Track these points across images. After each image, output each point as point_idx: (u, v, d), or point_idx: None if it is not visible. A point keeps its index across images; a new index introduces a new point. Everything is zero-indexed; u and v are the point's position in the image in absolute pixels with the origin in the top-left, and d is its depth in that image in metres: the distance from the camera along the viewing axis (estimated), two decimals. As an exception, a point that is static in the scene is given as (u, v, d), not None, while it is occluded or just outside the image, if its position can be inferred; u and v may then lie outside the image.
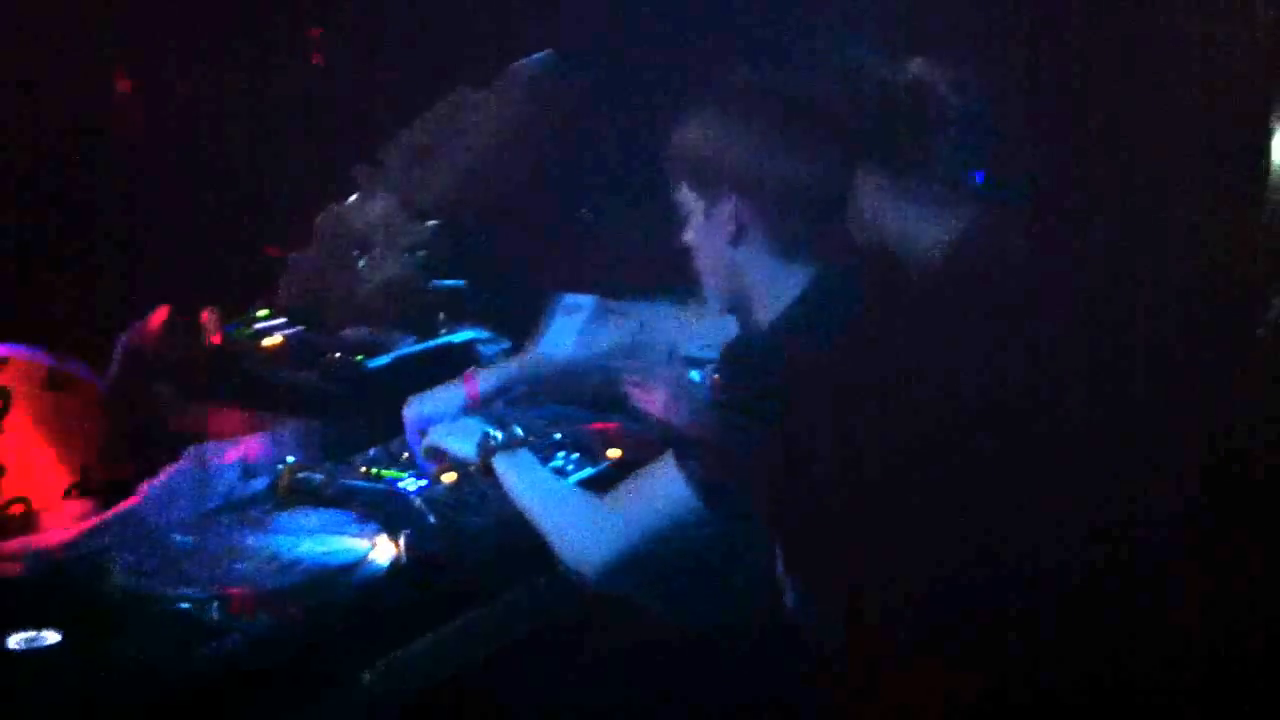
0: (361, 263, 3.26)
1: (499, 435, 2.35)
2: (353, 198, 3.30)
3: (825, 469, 1.99)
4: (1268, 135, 1.97)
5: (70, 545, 2.28)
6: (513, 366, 2.75)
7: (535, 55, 3.27)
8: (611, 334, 2.77)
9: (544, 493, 2.30)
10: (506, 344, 3.24)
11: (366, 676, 2.09)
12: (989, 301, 2.01)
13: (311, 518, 2.38)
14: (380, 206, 3.27)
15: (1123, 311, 1.96)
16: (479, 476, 2.40)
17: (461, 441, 2.40)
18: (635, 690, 2.34)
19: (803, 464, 2.01)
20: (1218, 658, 1.90)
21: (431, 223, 3.29)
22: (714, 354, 2.66)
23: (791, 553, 2.12)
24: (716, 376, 2.27)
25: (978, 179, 2.49)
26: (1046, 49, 2.09)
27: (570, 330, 2.76)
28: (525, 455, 2.36)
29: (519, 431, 2.39)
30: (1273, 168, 1.98)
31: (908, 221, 2.14)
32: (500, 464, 2.33)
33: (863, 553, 1.98)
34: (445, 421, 2.56)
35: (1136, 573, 1.91)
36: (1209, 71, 1.97)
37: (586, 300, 2.85)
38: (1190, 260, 1.97)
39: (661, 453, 2.19)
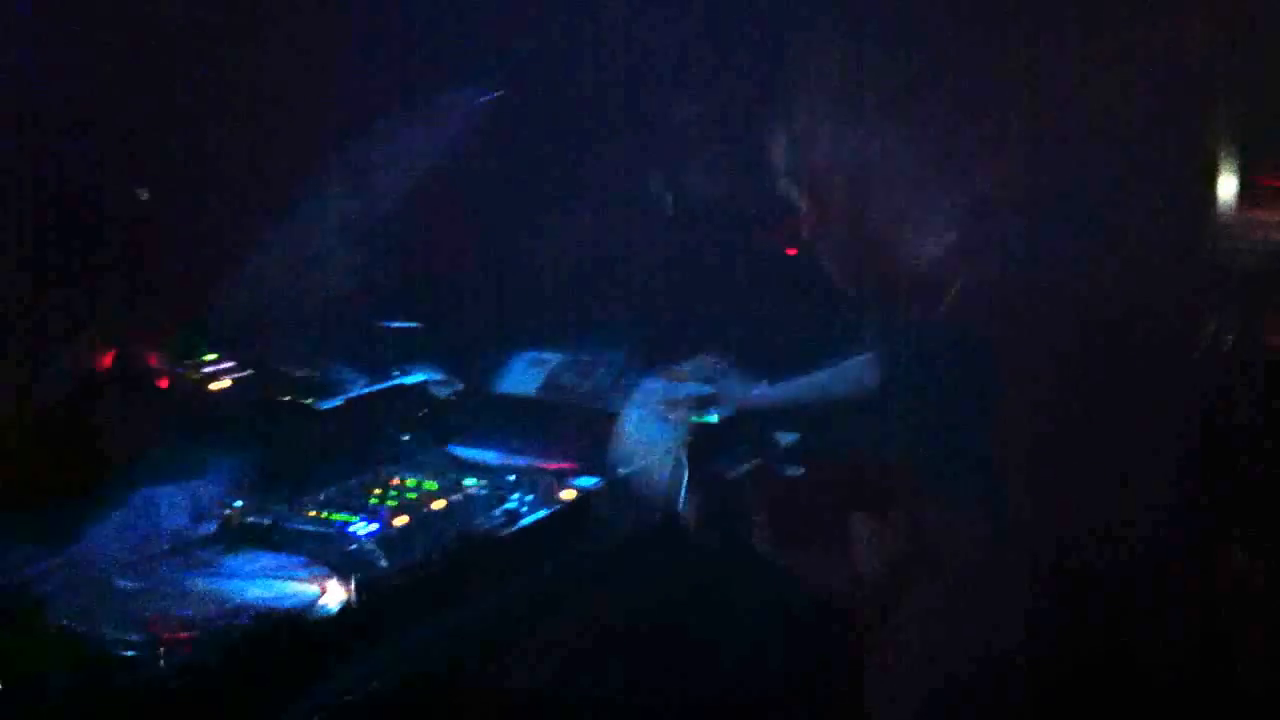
0: (304, 291, 3.20)
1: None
2: (296, 225, 3.24)
3: None
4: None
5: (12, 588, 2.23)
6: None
7: (482, 94, 3.25)
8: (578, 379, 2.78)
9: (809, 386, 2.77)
10: (460, 385, 3.21)
11: (316, 720, 2.05)
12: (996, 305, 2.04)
13: (260, 561, 2.34)
14: (324, 235, 3.22)
15: (1107, 313, 1.97)
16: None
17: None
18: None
19: None
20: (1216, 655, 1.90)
21: (376, 254, 3.25)
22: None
23: None
24: None
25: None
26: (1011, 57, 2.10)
27: (537, 375, 2.77)
28: (757, 390, 2.80)
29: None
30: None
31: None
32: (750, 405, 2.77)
33: None
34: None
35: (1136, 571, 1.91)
36: (1159, 82, 1.99)
37: (552, 356, 2.87)
38: (1176, 262, 1.99)
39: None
